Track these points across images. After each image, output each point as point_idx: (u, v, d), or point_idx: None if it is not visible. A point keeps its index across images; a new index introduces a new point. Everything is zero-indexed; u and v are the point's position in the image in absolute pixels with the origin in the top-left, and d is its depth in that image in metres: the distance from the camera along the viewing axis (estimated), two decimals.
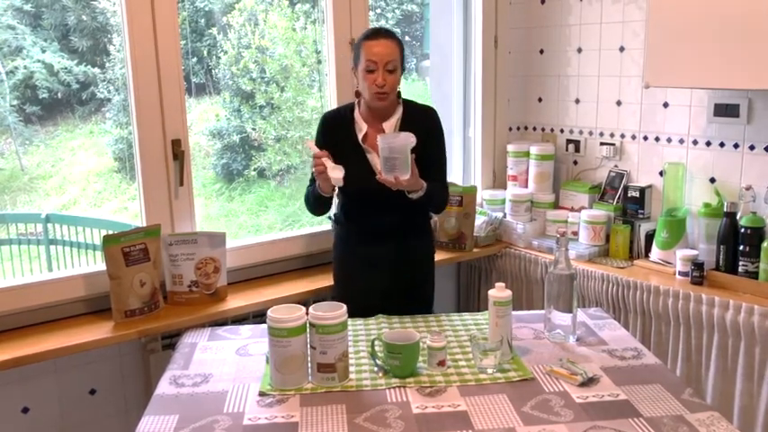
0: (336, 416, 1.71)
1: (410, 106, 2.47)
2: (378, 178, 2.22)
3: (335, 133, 2.44)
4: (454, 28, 3.43)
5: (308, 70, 5.71)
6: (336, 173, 2.21)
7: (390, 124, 2.41)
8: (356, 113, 2.44)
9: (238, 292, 2.63)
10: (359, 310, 2.37)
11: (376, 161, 2.37)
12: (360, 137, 2.40)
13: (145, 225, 2.52)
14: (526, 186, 3.33)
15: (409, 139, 2.17)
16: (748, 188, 2.59)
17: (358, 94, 2.43)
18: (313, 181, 2.42)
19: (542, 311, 2.19)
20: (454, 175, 3.50)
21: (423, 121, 2.44)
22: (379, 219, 2.43)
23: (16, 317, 2.32)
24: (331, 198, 2.44)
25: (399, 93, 2.44)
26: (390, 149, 2.15)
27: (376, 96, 2.33)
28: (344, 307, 1.89)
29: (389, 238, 2.45)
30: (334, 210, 2.59)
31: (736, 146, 2.71)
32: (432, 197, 2.37)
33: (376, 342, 2.02)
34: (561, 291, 2.07)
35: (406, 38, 6.27)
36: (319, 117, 2.53)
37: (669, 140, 2.92)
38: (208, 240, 2.52)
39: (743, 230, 2.53)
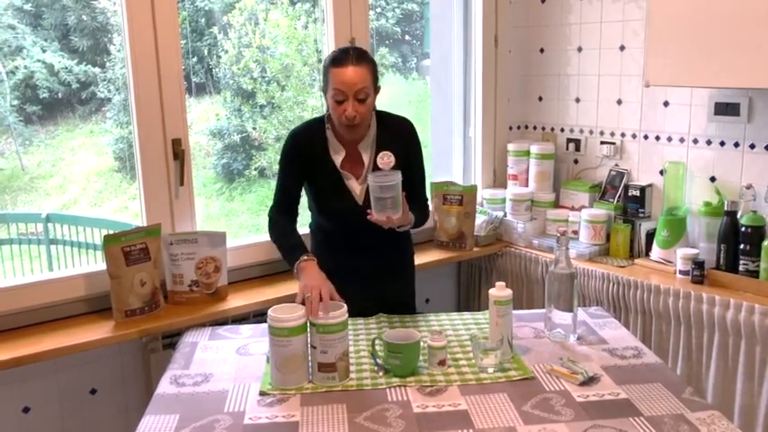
0: (337, 415, 1.71)
1: (385, 120, 2.34)
2: (369, 218, 2.12)
3: (308, 153, 2.30)
4: (454, 27, 3.43)
5: (309, 69, 5.71)
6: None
7: (366, 146, 2.30)
8: (329, 135, 2.30)
9: (239, 291, 2.63)
10: None
11: (354, 186, 2.30)
12: (338, 161, 2.28)
13: (145, 224, 2.52)
14: (526, 185, 3.33)
15: (398, 177, 2.09)
16: (749, 187, 2.59)
17: (330, 119, 2.29)
18: (279, 209, 2.36)
19: (543, 310, 2.19)
20: (454, 174, 3.50)
21: (400, 137, 2.34)
22: (354, 242, 2.34)
23: (17, 316, 2.33)
24: None
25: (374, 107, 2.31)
26: (382, 189, 2.07)
27: (346, 129, 2.21)
28: (345, 307, 1.89)
29: (366, 252, 2.36)
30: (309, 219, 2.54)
31: (736, 145, 2.71)
32: (416, 225, 2.34)
33: (376, 341, 2.02)
34: (562, 290, 2.07)
35: (406, 37, 6.27)
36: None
37: (669, 139, 2.92)
38: (208, 240, 2.52)
39: (743, 229, 2.53)
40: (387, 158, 2.14)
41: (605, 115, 3.15)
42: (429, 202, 2.63)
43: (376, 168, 2.16)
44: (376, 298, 2.38)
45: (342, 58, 2.16)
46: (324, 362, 1.85)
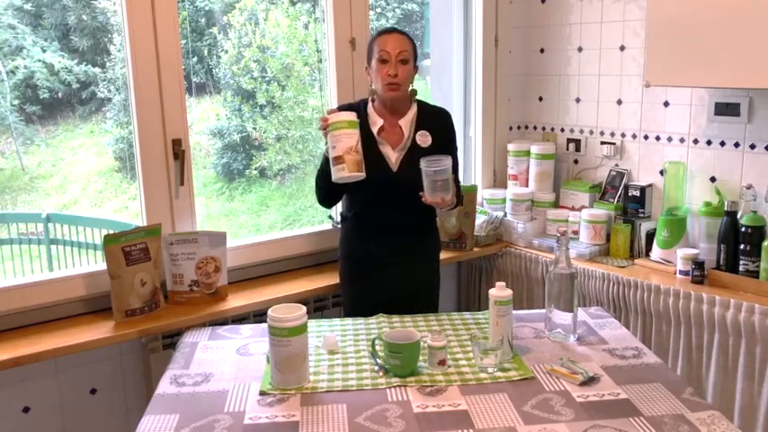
0: (337, 415, 1.71)
1: (424, 106, 2.50)
2: (424, 200, 2.25)
3: None
4: (454, 27, 3.43)
5: (310, 69, 5.71)
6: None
7: (406, 121, 2.43)
8: (369, 108, 2.45)
9: (239, 291, 2.64)
10: (365, 307, 2.38)
11: (389, 153, 2.40)
12: (375, 130, 2.40)
13: (145, 224, 2.52)
14: (527, 185, 3.33)
15: (450, 162, 2.23)
16: (749, 187, 2.59)
17: (373, 94, 2.46)
18: (324, 162, 2.40)
19: (543, 311, 2.19)
20: None
21: (438, 123, 2.48)
22: (387, 215, 2.43)
23: (17, 316, 2.33)
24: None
25: (415, 91, 2.46)
26: (436, 173, 2.21)
27: (388, 87, 2.34)
28: (354, 113, 2.21)
29: (396, 236, 2.46)
30: (339, 209, 2.60)
31: (736, 145, 2.71)
32: (457, 206, 2.49)
33: (377, 341, 2.02)
34: (562, 290, 2.07)
35: None
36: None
37: (670, 139, 2.92)
38: (208, 240, 2.53)
39: (743, 229, 2.53)
40: (425, 137, 2.42)
41: (605, 115, 3.15)
42: None
43: (415, 145, 2.38)
44: (402, 287, 2.47)
45: (387, 30, 2.43)
46: (334, 155, 2.10)
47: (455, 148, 2.53)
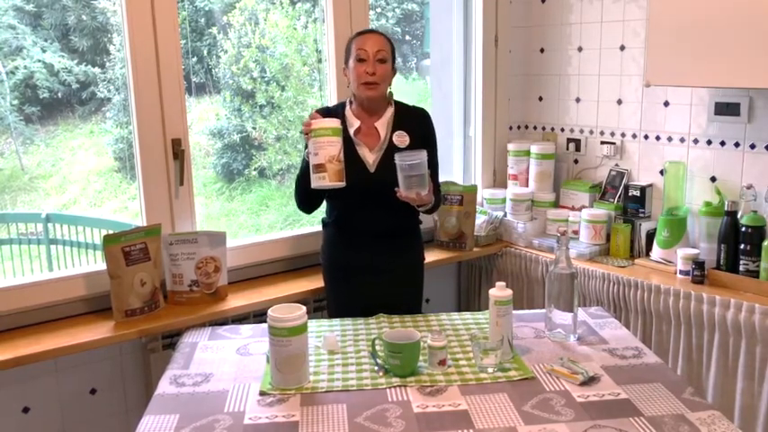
0: (337, 415, 1.71)
1: (401, 106, 2.48)
2: (399, 196, 2.22)
3: None
4: (454, 27, 3.43)
5: (309, 69, 5.71)
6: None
7: (382, 123, 2.41)
8: (347, 111, 2.43)
9: (239, 291, 2.63)
10: (348, 313, 2.38)
11: (367, 155, 2.38)
12: (352, 131, 2.39)
13: (145, 224, 2.52)
14: (527, 185, 3.33)
15: (425, 155, 2.20)
16: (749, 187, 2.59)
17: (352, 96, 2.44)
18: (305, 166, 2.37)
19: (543, 310, 2.19)
20: (455, 174, 3.50)
21: (416, 123, 2.46)
22: (367, 219, 2.41)
23: (17, 316, 2.33)
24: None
25: (391, 93, 2.45)
26: (411, 167, 2.18)
27: (365, 86, 2.32)
28: (338, 120, 2.18)
29: (378, 241, 2.43)
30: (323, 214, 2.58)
31: (736, 144, 2.71)
32: (435, 207, 2.46)
33: (377, 341, 2.02)
34: (562, 290, 2.07)
35: (407, 37, 6.27)
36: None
37: (670, 139, 2.92)
38: (208, 240, 2.52)
39: (744, 229, 2.53)
40: (402, 137, 2.38)
41: (605, 115, 3.15)
42: None
43: (392, 146, 2.34)
44: (383, 293, 2.43)
45: (365, 30, 2.45)
46: (315, 163, 2.06)
47: (436, 150, 2.50)
